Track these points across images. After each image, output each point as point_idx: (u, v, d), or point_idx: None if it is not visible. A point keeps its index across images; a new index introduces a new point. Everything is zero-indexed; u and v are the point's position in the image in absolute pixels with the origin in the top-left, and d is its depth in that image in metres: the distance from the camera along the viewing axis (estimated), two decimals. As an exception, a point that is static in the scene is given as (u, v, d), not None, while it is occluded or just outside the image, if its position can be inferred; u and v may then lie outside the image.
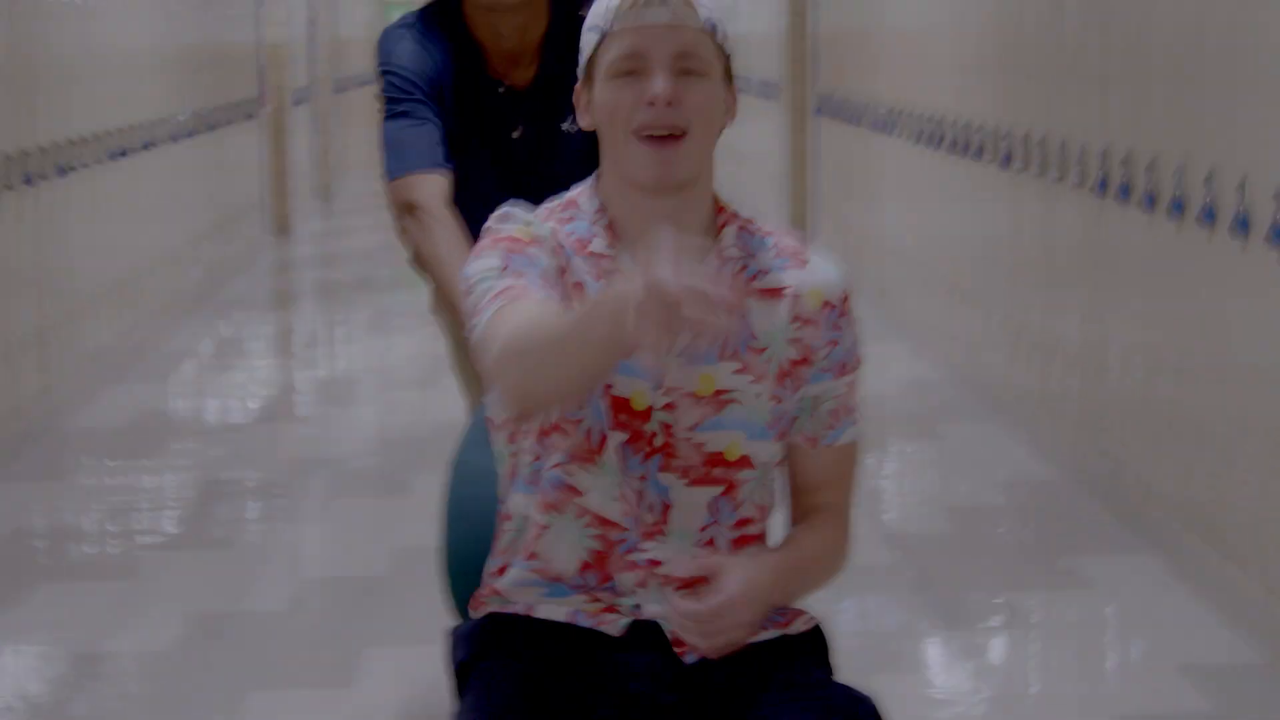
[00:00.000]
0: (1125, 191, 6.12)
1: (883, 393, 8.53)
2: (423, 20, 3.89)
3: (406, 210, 3.73)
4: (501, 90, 3.92)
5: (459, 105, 3.86)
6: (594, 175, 2.70)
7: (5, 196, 7.36)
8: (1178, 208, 5.63)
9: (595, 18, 2.63)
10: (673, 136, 2.56)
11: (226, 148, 12.64)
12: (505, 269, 2.55)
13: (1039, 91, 7.17)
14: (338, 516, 6.69)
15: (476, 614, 2.71)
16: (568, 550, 2.62)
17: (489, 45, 3.90)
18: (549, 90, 3.93)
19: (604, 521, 2.61)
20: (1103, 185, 6.32)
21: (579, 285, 2.60)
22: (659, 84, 2.54)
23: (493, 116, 3.93)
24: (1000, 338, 7.83)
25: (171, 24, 10.94)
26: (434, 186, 3.72)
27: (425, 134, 3.75)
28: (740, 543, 2.66)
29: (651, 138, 2.56)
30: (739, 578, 2.51)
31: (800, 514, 2.75)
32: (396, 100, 3.79)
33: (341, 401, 8.86)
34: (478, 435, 2.89)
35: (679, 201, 2.61)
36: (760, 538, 2.71)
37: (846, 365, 2.70)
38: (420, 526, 4.99)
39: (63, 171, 8.11)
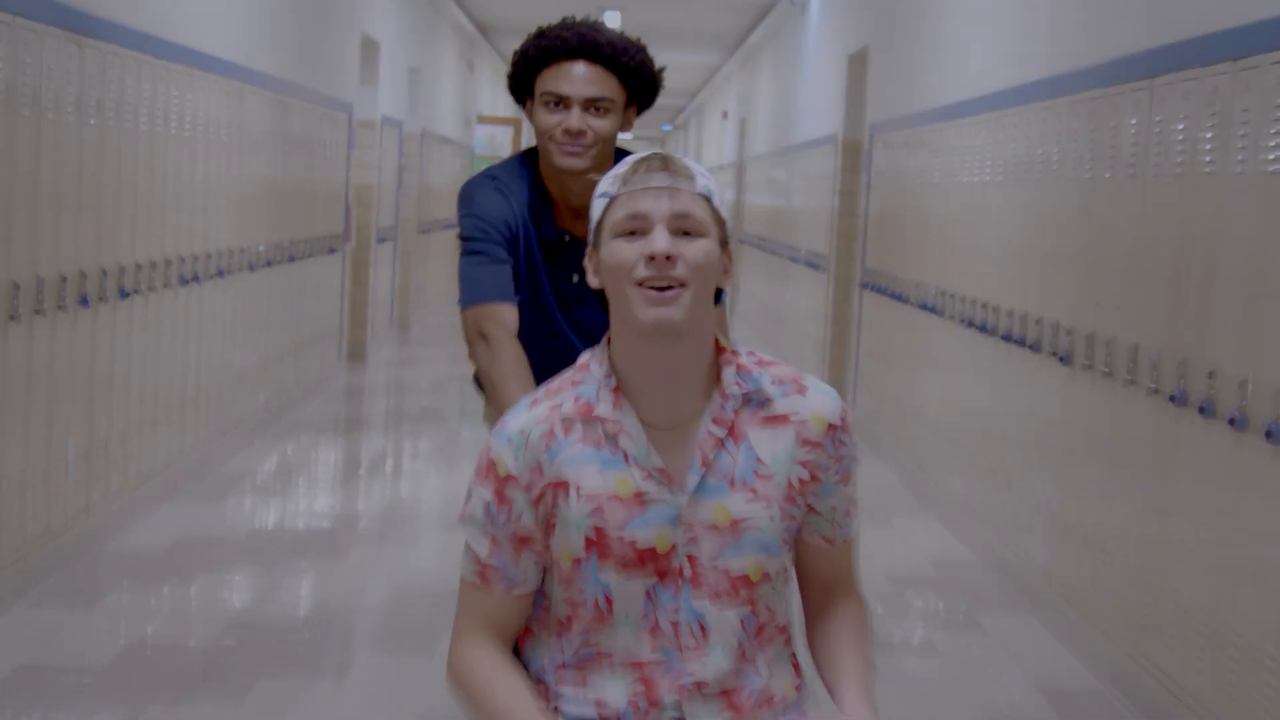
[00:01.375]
0: (1182, 398, 5.22)
1: (919, 574, 7.45)
2: (505, 173, 3.93)
3: (478, 337, 3.72)
4: (567, 240, 3.92)
5: (529, 249, 3.88)
6: (604, 339, 2.63)
7: (75, 314, 6.40)
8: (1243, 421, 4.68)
9: (603, 185, 2.60)
10: (671, 287, 2.51)
11: (308, 277, 11.65)
12: (486, 525, 2.59)
13: (1105, 290, 6.16)
14: (368, 675, 5.63)
15: None
16: (614, 690, 2.57)
17: (559, 199, 3.91)
18: None
19: (638, 664, 2.56)
20: (1154, 388, 5.31)
21: (562, 484, 2.55)
22: (659, 240, 2.51)
23: (557, 261, 3.93)
24: (1040, 525, 6.78)
25: (267, 161, 10.01)
26: (502, 316, 3.70)
27: (498, 270, 3.76)
28: (764, 641, 2.63)
29: (653, 288, 2.51)
30: None
31: (819, 601, 2.72)
32: (475, 240, 3.80)
33: (396, 538, 7.78)
34: None
35: (680, 351, 2.55)
36: (782, 629, 2.67)
37: (850, 472, 2.67)
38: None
39: (125, 294, 7.12)
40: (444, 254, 20.79)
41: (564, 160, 3.81)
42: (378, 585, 6.85)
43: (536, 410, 2.59)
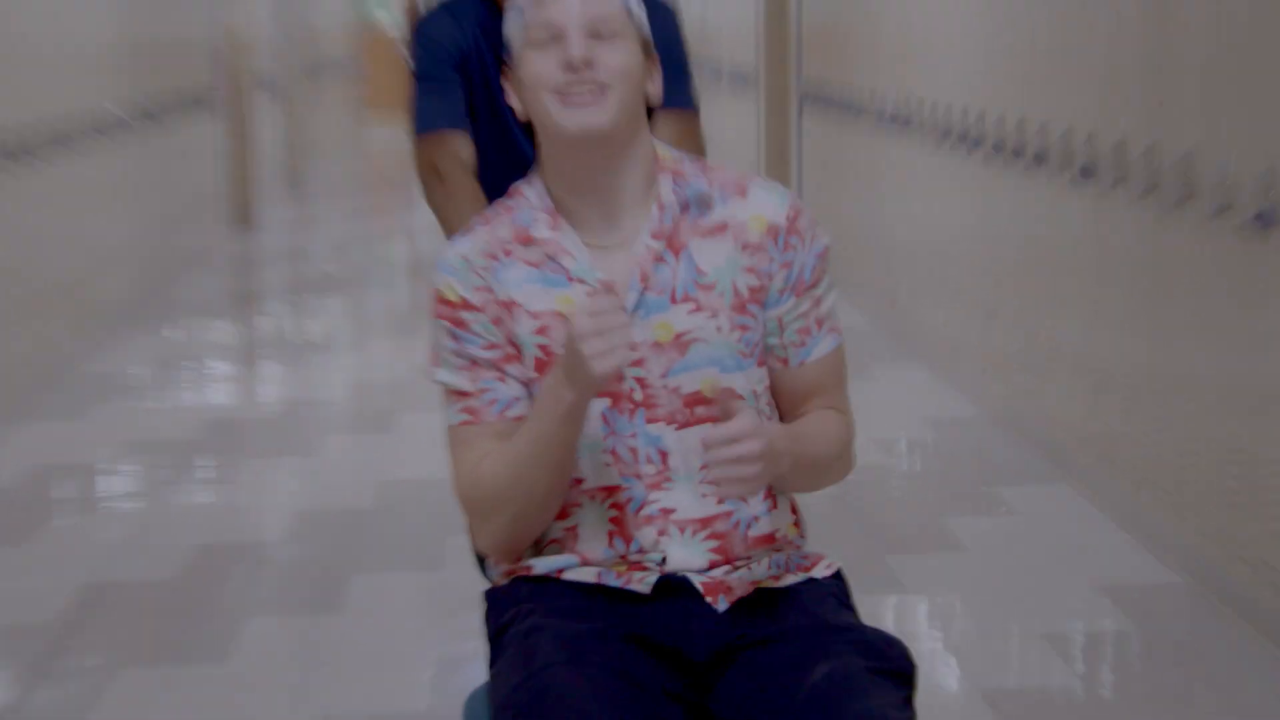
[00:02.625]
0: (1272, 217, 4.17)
1: (916, 437, 6.36)
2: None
3: (431, 172, 3.64)
4: None
5: (485, 77, 3.72)
6: (536, 163, 2.54)
7: None
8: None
9: (516, 1, 2.50)
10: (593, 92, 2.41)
11: (175, 138, 10.34)
12: (457, 356, 2.49)
13: (1090, 86, 5.04)
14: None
15: (504, 581, 2.53)
16: (593, 534, 2.47)
17: None
18: None
19: (609, 489, 2.46)
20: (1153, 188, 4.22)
21: (510, 304, 2.48)
22: (574, 47, 2.42)
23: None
24: (1039, 361, 5.72)
25: (107, 6, 8.68)
26: (456, 146, 3.63)
27: (446, 95, 3.67)
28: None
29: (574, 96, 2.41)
30: (751, 416, 2.32)
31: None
32: (421, 65, 3.71)
33: (300, 444, 6.61)
34: None
35: (612, 161, 2.46)
36: None
37: (806, 283, 2.51)
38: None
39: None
40: (338, 99, 19.40)
41: None
42: (279, 509, 5.72)
43: (474, 235, 2.54)
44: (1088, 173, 5.37)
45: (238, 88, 12.77)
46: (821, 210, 9.76)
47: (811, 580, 2.50)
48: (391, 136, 22.07)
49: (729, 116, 13.17)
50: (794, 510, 2.55)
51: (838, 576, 2.54)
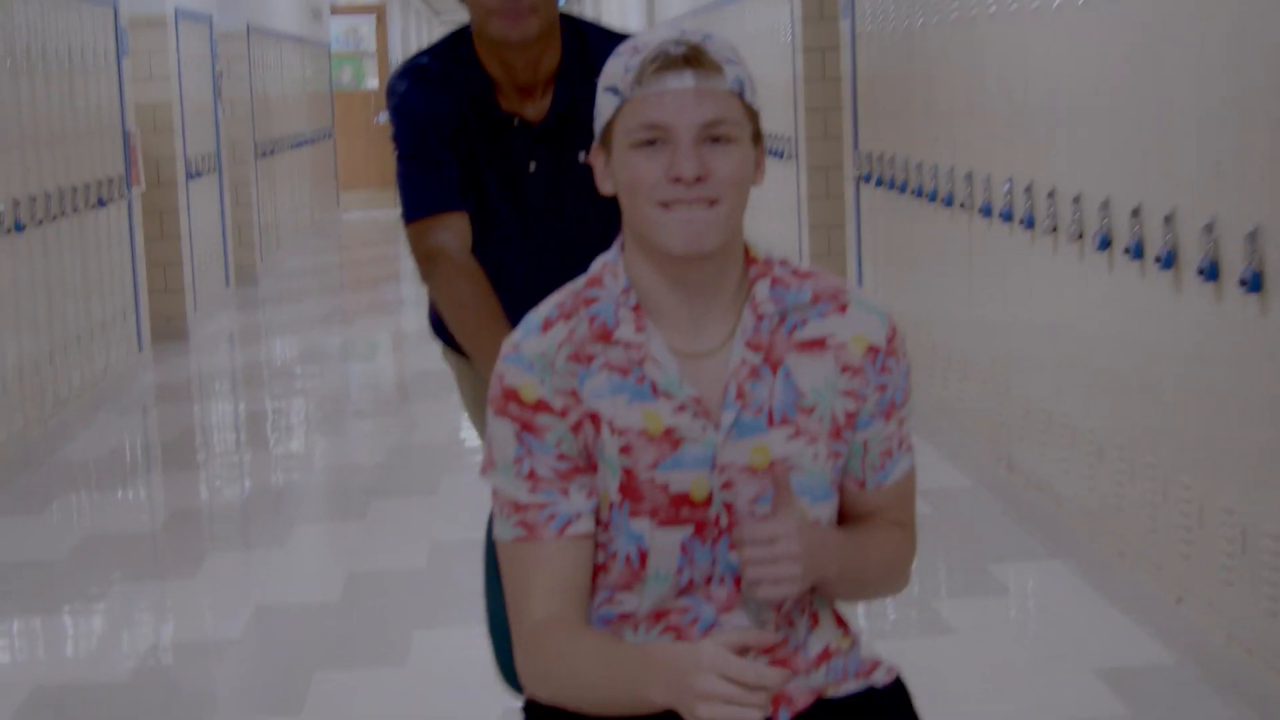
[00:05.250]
0: None
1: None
2: (433, 58, 3.67)
3: (425, 258, 3.52)
4: (515, 125, 3.67)
5: (473, 143, 3.62)
6: (617, 245, 2.44)
7: None
8: None
9: (612, 78, 2.37)
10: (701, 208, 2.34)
11: (69, 243, 8.36)
12: (519, 464, 2.37)
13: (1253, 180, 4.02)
14: None
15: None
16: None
17: (501, 80, 3.66)
18: (563, 123, 3.70)
19: (662, 613, 2.39)
20: None
21: (594, 416, 2.36)
22: (686, 161, 2.32)
23: (507, 152, 3.67)
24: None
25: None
26: (453, 230, 3.53)
27: (437, 174, 3.55)
28: (809, 596, 2.46)
29: (681, 210, 2.34)
30: (793, 516, 2.31)
31: None
32: (409, 142, 3.57)
33: None
34: None
35: (710, 268, 2.38)
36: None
37: (895, 405, 2.45)
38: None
39: None
40: (301, 175, 17.37)
41: (504, 30, 3.56)
42: None
43: (554, 333, 2.40)
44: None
45: (161, 175, 10.79)
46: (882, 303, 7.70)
47: (872, 690, 2.47)
48: (369, 221, 19.98)
49: (757, 189, 11.19)
50: (839, 621, 2.50)
51: (898, 684, 2.51)
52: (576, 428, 2.36)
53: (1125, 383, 5.08)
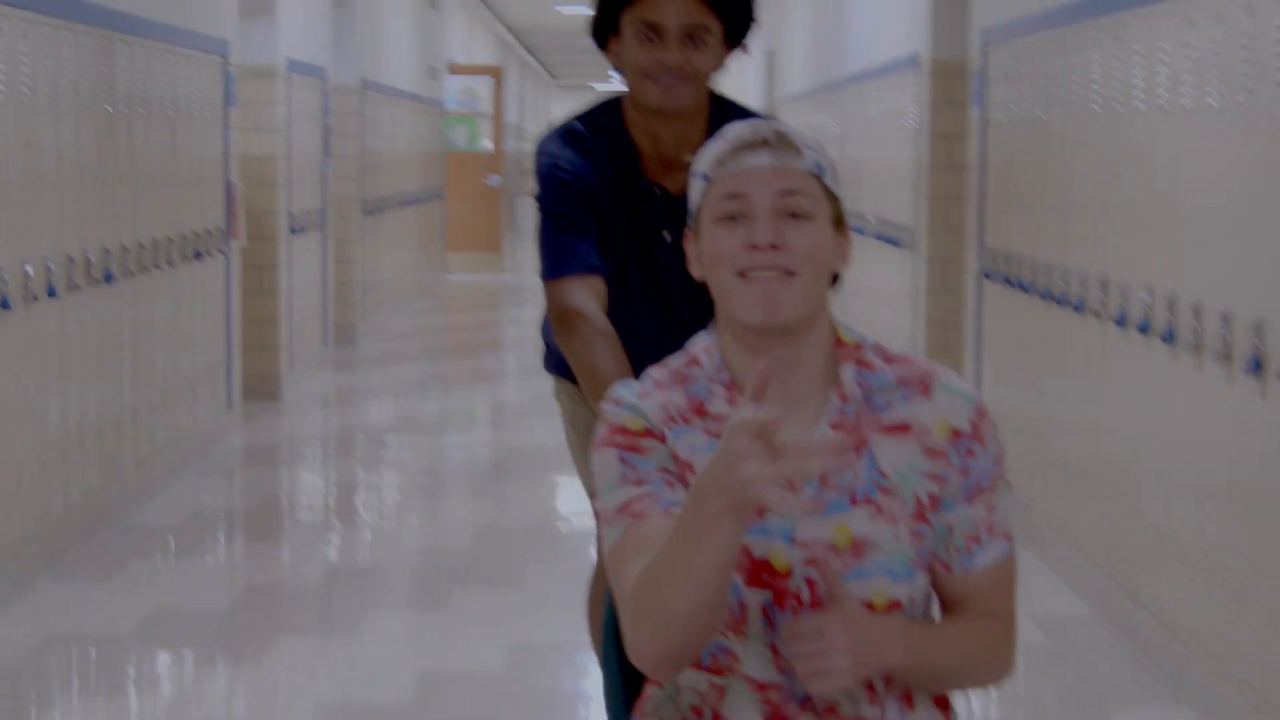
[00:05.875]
0: None
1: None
2: (584, 123, 3.78)
3: (560, 318, 3.61)
4: (656, 192, 3.79)
5: (614, 207, 3.73)
6: (712, 326, 2.54)
7: None
8: None
9: (701, 164, 2.51)
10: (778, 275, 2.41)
11: (161, 296, 8.12)
12: (624, 478, 2.44)
13: None
14: None
15: None
16: (746, 711, 2.42)
17: (646, 150, 3.78)
18: None
19: (763, 686, 2.41)
20: None
21: (689, 466, 2.46)
22: (762, 228, 2.41)
23: (644, 221, 3.79)
24: None
25: (73, 131, 6.54)
26: (590, 290, 3.61)
27: (581, 236, 3.66)
28: (897, 679, 2.43)
29: (758, 278, 2.41)
30: (841, 609, 2.33)
31: None
32: (551, 202, 3.68)
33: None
34: None
35: (793, 347, 2.45)
36: None
37: (981, 489, 2.45)
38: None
39: None
40: (408, 235, 17.16)
41: (660, 98, 3.68)
42: None
43: (649, 402, 2.49)
44: None
45: (263, 230, 10.57)
46: (1000, 409, 7.32)
47: None
48: (476, 284, 19.76)
49: (872, 277, 10.84)
50: (940, 703, 2.46)
51: None
52: (674, 458, 2.44)
53: (1273, 518, 4.67)
